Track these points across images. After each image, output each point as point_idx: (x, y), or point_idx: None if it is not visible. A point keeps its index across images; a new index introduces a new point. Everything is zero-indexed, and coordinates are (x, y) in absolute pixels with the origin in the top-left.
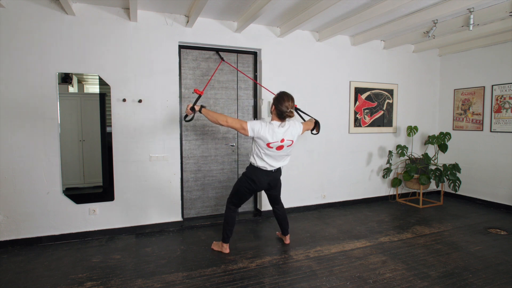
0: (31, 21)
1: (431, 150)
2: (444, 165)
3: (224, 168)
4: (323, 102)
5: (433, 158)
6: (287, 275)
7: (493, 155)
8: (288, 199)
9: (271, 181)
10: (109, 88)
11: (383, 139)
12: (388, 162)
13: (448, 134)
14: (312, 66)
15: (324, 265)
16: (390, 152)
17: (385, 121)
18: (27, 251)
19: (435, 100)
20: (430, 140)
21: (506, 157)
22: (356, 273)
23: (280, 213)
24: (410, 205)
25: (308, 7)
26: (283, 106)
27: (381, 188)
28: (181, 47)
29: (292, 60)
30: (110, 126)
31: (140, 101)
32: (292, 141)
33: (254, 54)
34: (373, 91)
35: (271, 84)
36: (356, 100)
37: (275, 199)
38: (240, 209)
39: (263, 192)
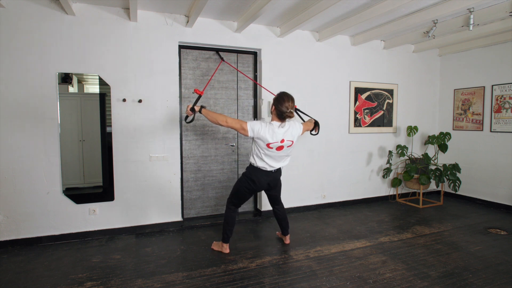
0: (31, 21)
1: (431, 150)
2: (444, 165)
3: (224, 168)
4: (323, 102)
5: (433, 158)
6: (287, 275)
7: (493, 155)
8: (288, 199)
9: (271, 181)
10: (109, 88)
11: (383, 139)
12: (388, 162)
13: (448, 134)
14: (312, 66)
15: (324, 265)
16: (390, 152)
17: (385, 121)
18: (27, 251)
19: (435, 100)
20: (430, 140)
21: (506, 157)
22: (356, 273)
23: (280, 213)
24: (410, 205)
25: (308, 7)
26: (283, 106)
27: (381, 188)
28: (181, 47)
29: (292, 60)
30: (110, 126)
31: (140, 101)
32: (292, 141)
33: (254, 54)
34: (373, 91)
35: (271, 84)
36: (356, 100)
37: (275, 199)
38: (240, 209)
39: (263, 192)
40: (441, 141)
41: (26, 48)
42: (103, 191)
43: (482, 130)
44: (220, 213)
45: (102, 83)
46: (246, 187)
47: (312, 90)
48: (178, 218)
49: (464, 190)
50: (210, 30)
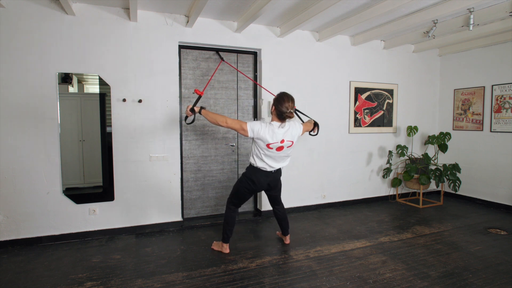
0: (31, 21)
1: (431, 150)
2: (444, 165)
3: (224, 168)
4: (323, 102)
5: (433, 158)
6: (287, 275)
7: (493, 155)
8: (288, 199)
9: (271, 181)
10: (109, 88)
11: (383, 139)
12: (388, 162)
13: (448, 134)
14: (312, 66)
15: (324, 265)
16: (390, 152)
17: (385, 121)
18: (27, 251)
19: (435, 100)
20: (430, 140)
21: (506, 157)
22: (356, 273)
23: (280, 214)
24: (410, 205)
25: (308, 7)
26: (283, 106)
27: (381, 188)
28: (181, 47)
29: (292, 60)
30: (110, 126)
31: (140, 101)
32: (292, 142)
33: (254, 54)
34: (373, 91)
35: (271, 84)
36: (356, 100)
37: (275, 199)
38: (240, 209)
39: (263, 192)
40: (441, 141)
41: (26, 48)
42: (103, 191)
43: (482, 130)
44: (220, 213)
45: (102, 83)
46: (246, 187)
47: (312, 90)
48: (178, 218)
49: (464, 190)
50: (210, 30)
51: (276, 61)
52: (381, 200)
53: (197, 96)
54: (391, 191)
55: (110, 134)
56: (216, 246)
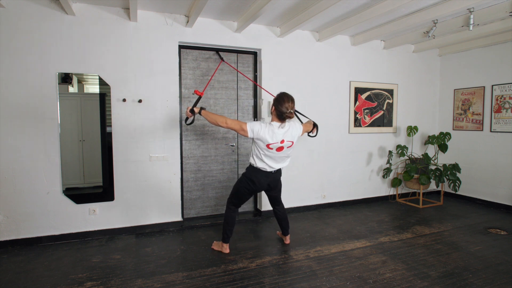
0: (31, 21)
1: (431, 150)
2: (444, 165)
3: (224, 168)
4: (323, 102)
5: (433, 158)
6: (287, 275)
7: (493, 155)
8: (288, 199)
9: (270, 182)
10: (109, 88)
11: (383, 139)
12: (388, 162)
13: (448, 134)
14: (312, 66)
15: (324, 265)
16: (390, 152)
17: (385, 121)
18: (27, 251)
19: (435, 100)
20: (430, 140)
21: (506, 157)
22: (356, 273)
23: (280, 214)
24: (410, 205)
25: (308, 7)
26: (283, 107)
27: (381, 188)
28: (181, 47)
29: (292, 60)
30: (110, 126)
31: (140, 101)
32: (292, 142)
33: (254, 54)
34: (373, 91)
35: (271, 84)
36: (356, 100)
37: (275, 199)
38: (240, 209)
39: (263, 192)
40: (441, 141)
41: (26, 48)
42: (103, 191)
43: (482, 130)
44: (220, 213)
45: (102, 83)
46: (246, 187)
47: (312, 90)
48: (178, 218)
49: (464, 190)
50: (210, 30)
51: (276, 61)
52: (381, 200)
53: (197, 96)
54: (391, 191)
55: (110, 134)
56: (216, 246)
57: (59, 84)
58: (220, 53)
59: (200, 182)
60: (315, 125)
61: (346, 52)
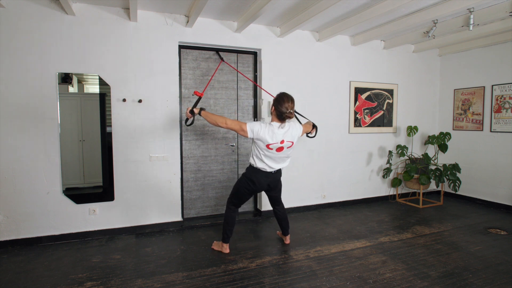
0: (31, 21)
1: (431, 150)
2: (444, 165)
3: (224, 168)
4: (323, 102)
5: (433, 158)
6: (287, 275)
7: (493, 155)
8: (288, 199)
9: (270, 182)
10: (109, 88)
11: (383, 139)
12: (388, 162)
13: (448, 134)
14: (312, 66)
15: (324, 265)
16: (390, 152)
17: (385, 121)
18: (27, 251)
19: (435, 100)
20: (430, 140)
21: (506, 157)
22: (356, 273)
23: (280, 214)
24: (410, 205)
25: (308, 7)
26: (282, 107)
27: (381, 188)
28: (181, 47)
29: (292, 60)
30: (110, 126)
31: (140, 101)
32: (292, 142)
33: (254, 54)
34: (373, 91)
35: (271, 84)
36: (356, 100)
37: (275, 200)
38: (240, 209)
39: (263, 192)
40: (441, 141)
41: (26, 48)
42: (103, 191)
43: (482, 130)
44: (220, 213)
45: (102, 83)
46: (246, 187)
47: (312, 90)
48: (178, 218)
49: (464, 190)
50: (210, 30)
51: (276, 61)
52: (381, 200)
53: (197, 97)
54: (391, 191)
55: (110, 134)
56: (216, 246)
57: (59, 84)
58: (220, 53)
59: (200, 182)
60: (314, 126)
61: (346, 52)
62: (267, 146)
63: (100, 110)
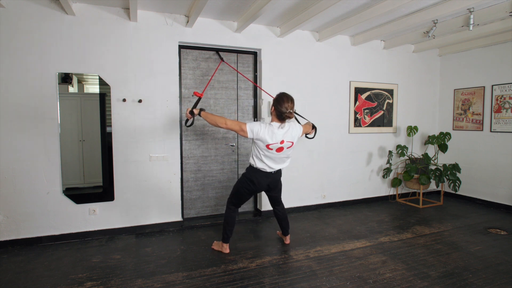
0: (31, 21)
1: (431, 150)
2: (444, 165)
3: (224, 168)
4: (323, 102)
5: (433, 158)
6: (287, 275)
7: (493, 155)
8: (288, 199)
9: (270, 182)
10: (109, 88)
11: (383, 139)
12: (388, 162)
13: (448, 134)
14: (312, 66)
15: (324, 265)
16: (390, 152)
17: (385, 121)
18: (27, 251)
19: (435, 100)
20: (430, 140)
21: (506, 157)
22: (356, 273)
23: (280, 214)
24: (410, 205)
25: (308, 7)
26: (282, 107)
27: (381, 188)
28: (181, 47)
29: (292, 60)
30: (110, 126)
31: (140, 101)
32: (292, 142)
33: (254, 54)
34: (373, 91)
35: (271, 84)
36: (356, 100)
37: (275, 200)
38: (240, 209)
39: (263, 192)
40: (441, 141)
41: (26, 48)
42: (103, 191)
43: (482, 130)
44: (220, 213)
45: (102, 83)
46: (246, 187)
47: (312, 90)
48: (178, 218)
49: (464, 190)
50: (210, 30)
51: (276, 61)
52: (381, 200)
53: (196, 98)
54: (391, 191)
55: (110, 134)
56: (216, 246)
57: (59, 84)
58: (220, 53)
59: (200, 182)
60: (314, 127)
61: (346, 52)
62: (267, 146)
63: (100, 110)
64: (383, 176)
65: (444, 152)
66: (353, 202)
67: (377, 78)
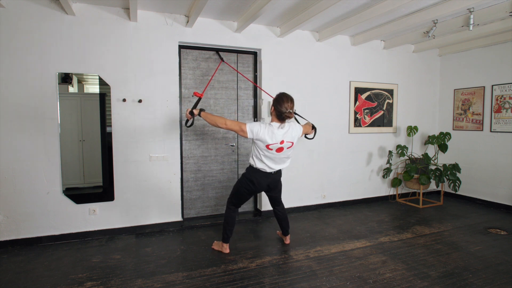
0: (31, 21)
1: (431, 150)
2: (444, 165)
3: (224, 168)
4: (323, 102)
5: (433, 158)
6: (287, 275)
7: (493, 155)
8: (288, 199)
9: (270, 183)
10: (109, 88)
11: (383, 139)
12: (388, 162)
13: (448, 134)
14: (312, 66)
15: (324, 265)
16: (390, 152)
17: (385, 121)
18: (27, 251)
19: (435, 100)
20: (430, 140)
21: (506, 157)
22: (356, 273)
23: (280, 214)
24: (410, 205)
25: (308, 7)
26: (282, 107)
27: (381, 188)
28: (181, 47)
29: (292, 60)
30: (110, 126)
31: (140, 101)
32: (292, 143)
33: (254, 54)
34: (373, 91)
35: (271, 84)
36: (356, 100)
37: (275, 200)
38: (240, 209)
39: (263, 192)
40: (441, 141)
41: (26, 48)
42: (103, 191)
43: (482, 130)
44: (220, 213)
45: (102, 83)
46: (246, 188)
47: (312, 90)
48: (178, 218)
49: (464, 190)
50: (210, 30)
51: (276, 61)
52: (381, 200)
53: (196, 98)
54: (391, 191)
55: (110, 134)
56: (216, 246)
57: (59, 84)
58: (220, 53)
59: (200, 182)
60: (313, 128)
61: (346, 52)
62: (267, 146)
63: (100, 110)
64: (383, 176)
65: (444, 152)
66: (353, 202)
67: (377, 78)
